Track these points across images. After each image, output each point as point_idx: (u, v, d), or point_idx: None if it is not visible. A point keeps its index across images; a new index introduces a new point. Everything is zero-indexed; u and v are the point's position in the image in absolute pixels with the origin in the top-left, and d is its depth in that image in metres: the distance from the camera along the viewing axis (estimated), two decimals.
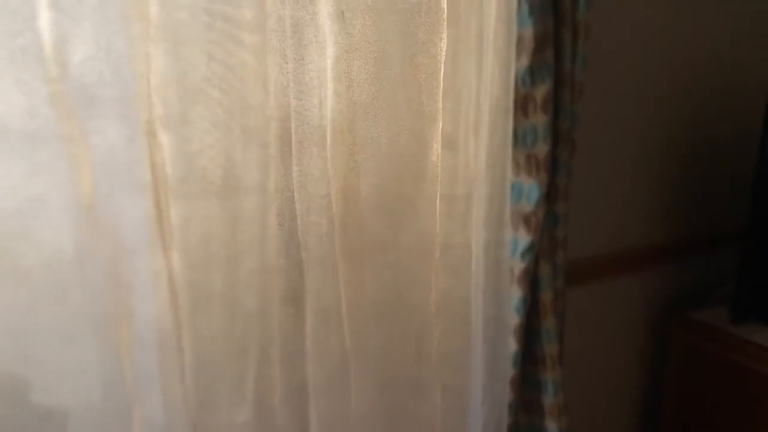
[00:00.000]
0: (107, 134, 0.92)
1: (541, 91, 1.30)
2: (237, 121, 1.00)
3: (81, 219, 0.91)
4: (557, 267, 1.42)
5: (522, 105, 1.31)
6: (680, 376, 1.86)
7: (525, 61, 1.28)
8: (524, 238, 1.36)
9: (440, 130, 1.16)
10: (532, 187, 1.34)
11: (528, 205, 1.35)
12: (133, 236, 0.96)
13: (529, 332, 1.41)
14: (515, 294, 1.37)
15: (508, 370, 1.40)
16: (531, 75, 1.29)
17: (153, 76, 0.93)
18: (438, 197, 1.19)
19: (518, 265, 1.37)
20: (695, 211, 1.90)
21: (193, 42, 0.95)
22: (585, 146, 1.56)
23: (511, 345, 1.39)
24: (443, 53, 1.13)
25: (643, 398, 1.98)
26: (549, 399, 1.45)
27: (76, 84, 0.89)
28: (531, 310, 1.40)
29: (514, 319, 1.38)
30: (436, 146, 1.16)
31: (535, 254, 1.37)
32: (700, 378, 1.81)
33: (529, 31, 1.27)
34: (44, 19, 0.85)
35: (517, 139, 1.33)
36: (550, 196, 1.37)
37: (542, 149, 1.33)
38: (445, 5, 1.10)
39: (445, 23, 1.11)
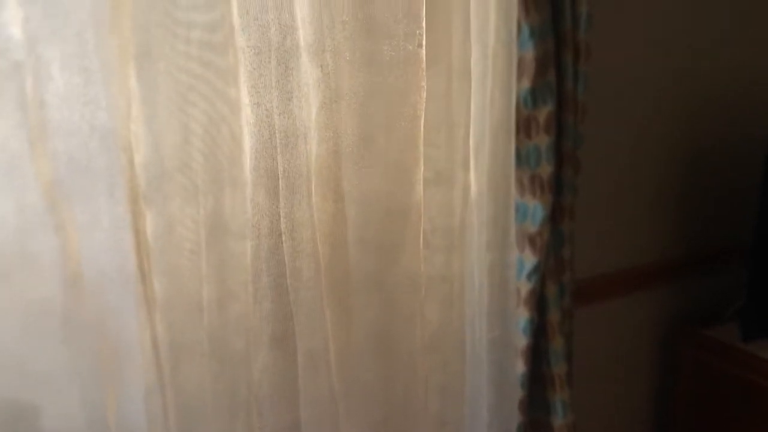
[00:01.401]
0: (92, 201, 0.94)
1: (544, 112, 1.31)
2: (225, 171, 1.03)
3: (67, 278, 0.92)
4: (564, 287, 1.41)
5: (525, 126, 1.32)
6: (691, 395, 1.84)
7: (527, 83, 1.29)
8: (530, 259, 1.35)
9: (422, 173, 1.18)
10: (537, 208, 1.34)
11: (533, 226, 1.35)
12: (118, 293, 0.97)
13: (537, 353, 1.41)
14: (522, 315, 1.37)
15: (516, 392, 1.39)
16: (533, 97, 1.30)
17: (135, 142, 0.95)
18: (421, 237, 1.20)
19: (524, 286, 1.36)
20: (702, 228, 1.89)
21: (175, 101, 0.97)
22: (590, 164, 1.56)
23: (519, 366, 1.38)
24: (423, 101, 1.15)
25: (653, 417, 1.96)
26: (558, 420, 1.44)
27: (63, 157, 0.91)
28: (538, 331, 1.39)
29: (521, 341, 1.37)
30: (419, 188, 1.18)
31: (542, 274, 1.37)
32: (710, 396, 1.79)
33: (530, 54, 1.27)
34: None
35: (521, 159, 1.33)
36: (555, 215, 1.37)
37: (546, 169, 1.33)
38: (423, 56, 1.13)
39: (424, 73, 1.13)
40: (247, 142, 1.03)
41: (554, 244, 1.39)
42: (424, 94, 1.14)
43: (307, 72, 1.05)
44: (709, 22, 1.76)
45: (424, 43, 1.11)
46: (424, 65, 1.12)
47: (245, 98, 1.01)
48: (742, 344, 1.72)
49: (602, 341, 1.77)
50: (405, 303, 1.20)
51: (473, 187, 1.27)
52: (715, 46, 1.80)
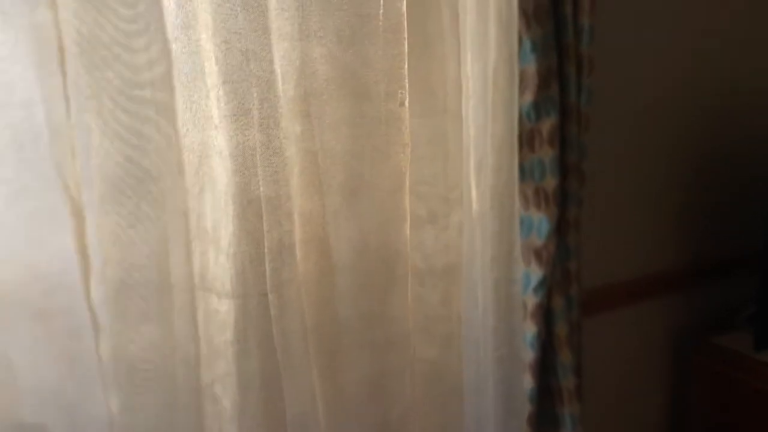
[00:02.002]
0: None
1: (547, 125, 1.30)
2: (211, 231, 1.03)
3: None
4: (571, 299, 1.41)
5: (528, 140, 1.31)
6: (703, 405, 1.82)
7: (529, 96, 1.29)
8: (536, 273, 1.35)
9: (409, 217, 1.18)
10: (542, 221, 1.34)
11: (539, 239, 1.34)
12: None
13: (545, 367, 1.40)
14: (529, 329, 1.36)
15: (525, 407, 1.38)
16: (536, 110, 1.30)
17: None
18: (409, 281, 1.19)
19: (531, 300, 1.36)
20: (711, 235, 1.88)
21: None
22: (596, 174, 1.56)
23: (527, 381, 1.37)
24: (408, 156, 1.16)
25: (665, 429, 1.94)
26: None
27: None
28: (546, 345, 1.39)
29: (528, 355, 1.36)
30: (406, 232, 1.17)
31: (548, 288, 1.36)
32: (723, 406, 1.77)
33: (532, 67, 1.27)
34: None
35: (524, 173, 1.32)
36: (561, 228, 1.37)
37: (550, 182, 1.33)
38: (407, 117, 1.14)
39: (407, 130, 1.14)
40: (230, 205, 1.02)
41: (560, 257, 1.38)
42: (408, 150, 1.15)
43: (288, 129, 1.05)
44: (711, 29, 1.76)
45: (407, 102, 1.12)
46: (407, 124, 1.14)
47: (227, 162, 1.01)
48: (754, 353, 1.70)
49: (611, 352, 1.76)
50: (397, 353, 1.19)
51: (475, 206, 1.27)
52: (719, 54, 1.79)
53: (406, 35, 1.09)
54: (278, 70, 1.02)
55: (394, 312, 1.17)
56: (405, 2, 1.08)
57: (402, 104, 1.11)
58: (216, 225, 1.03)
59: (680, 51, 1.71)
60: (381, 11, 1.07)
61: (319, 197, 1.09)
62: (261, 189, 1.02)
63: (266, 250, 1.03)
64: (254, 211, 1.02)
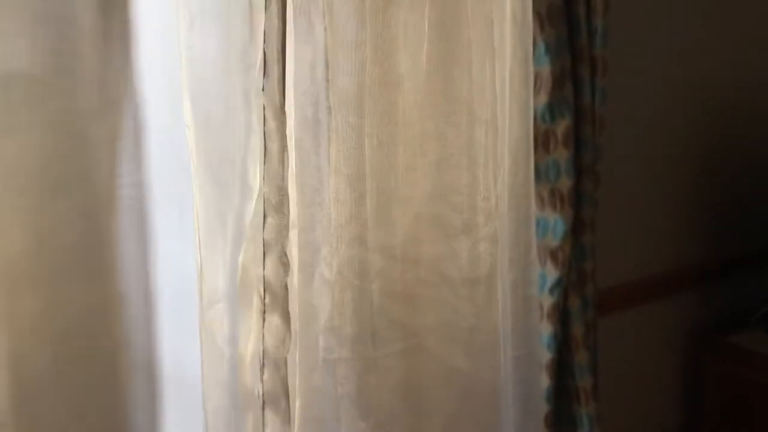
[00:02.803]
0: None
1: (562, 126, 1.31)
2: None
3: None
4: (587, 300, 1.41)
5: (543, 141, 1.32)
6: (717, 404, 1.82)
7: (544, 98, 1.29)
8: (552, 273, 1.35)
9: (442, 233, 1.19)
10: (558, 222, 1.34)
11: (554, 240, 1.35)
12: None
13: (562, 367, 1.40)
14: (546, 330, 1.37)
15: (542, 407, 1.38)
16: (550, 111, 1.30)
17: None
18: (443, 292, 1.20)
19: (547, 300, 1.36)
20: (724, 233, 1.88)
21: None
22: (609, 173, 1.56)
23: (544, 381, 1.38)
24: (441, 164, 1.18)
25: (680, 428, 1.94)
26: None
27: None
28: (562, 345, 1.39)
29: (545, 356, 1.37)
30: (440, 243, 1.19)
31: (564, 288, 1.36)
32: (738, 405, 1.77)
33: (546, 69, 1.28)
34: None
35: (540, 174, 1.33)
36: (576, 229, 1.37)
37: (565, 183, 1.33)
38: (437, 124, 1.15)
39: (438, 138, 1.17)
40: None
41: (576, 258, 1.39)
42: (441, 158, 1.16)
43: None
44: (725, 28, 1.76)
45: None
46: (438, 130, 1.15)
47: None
48: None
49: (623, 352, 1.76)
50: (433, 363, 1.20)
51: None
52: (733, 51, 1.79)
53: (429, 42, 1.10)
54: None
55: (426, 321, 1.17)
56: (427, 9, 1.09)
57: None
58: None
59: (693, 51, 1.71)
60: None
61: (354, 205, 1.10)
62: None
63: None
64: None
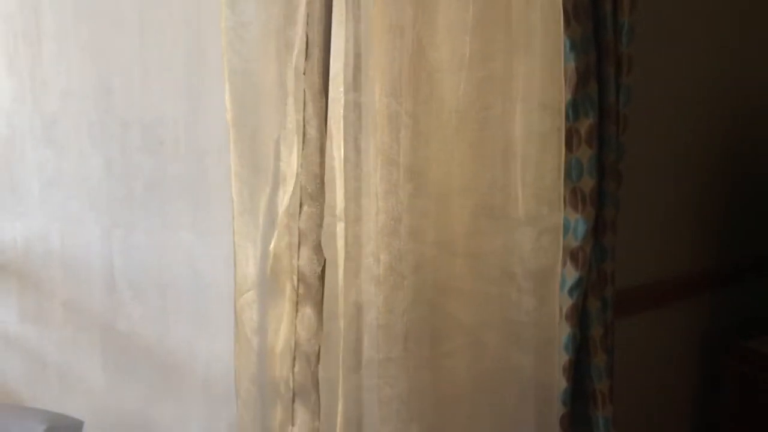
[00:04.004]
0: None
1: (585, 124, 1.29)
2: None
3: None
4: (606, 301, 1.39)
5: (566, 139, 1.30)
6: (734, 409, 1.80)
7: (568, 95, 1.27)
8: (572, 274, 1.33)
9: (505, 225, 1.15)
10: (579, 222, 1.32)
11: (575, 240, 1.32)
12: None
13: (579, 369, 1.38)
14: (564, 331, 1.34)
15: (558, 409, 1.37)
16: (574, 108, 1.28)
17: None
18: (503, 286, 1.17)
19: (566, 302, 1.34)
20: (742, 235, 1.86)
21: None
22: (629, 174, 1.54)
23: (561, 383, 1.36)
24: (505, 155, 1.14)
25: None
26: None
27: None
28: (580, 347, 1.37)
29: (563, 357, 1.35)
30: (500, 235, 1.14)
31: (584, 290, 1.34)
32: (755, 410, 1.75)
33: (571, 66, 1.25)
34: None
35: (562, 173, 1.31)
36: (597, 229, 1.35)
37: (588, 183, 1.31)
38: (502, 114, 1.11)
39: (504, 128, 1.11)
40: None
41: (596, 258, 1.36)
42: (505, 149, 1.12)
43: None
44: (753, 28, 1.73)
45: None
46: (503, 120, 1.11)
47: None
48: None
49: (640, 355, 1.74)
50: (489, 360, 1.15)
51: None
52: (760, 55, 1.76)
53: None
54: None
55: (485, 318, 1.14)
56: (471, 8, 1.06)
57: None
58: None
59: (719, 51, 1.69)
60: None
61: (409, 197, 1.07)
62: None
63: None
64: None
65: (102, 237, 1.67)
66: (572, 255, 1.33)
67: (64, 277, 1.71)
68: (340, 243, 1.03)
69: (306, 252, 0.97)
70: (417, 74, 1.03)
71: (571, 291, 1.33)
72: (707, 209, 1.79)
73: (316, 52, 0.93)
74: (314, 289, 0.98)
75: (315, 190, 0.96)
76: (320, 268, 0.98)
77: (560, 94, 1.17)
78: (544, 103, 1.15)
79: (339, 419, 1.05)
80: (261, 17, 0.94)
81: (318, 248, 0.97)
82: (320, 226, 0.97)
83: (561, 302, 1.35)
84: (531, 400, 1.21)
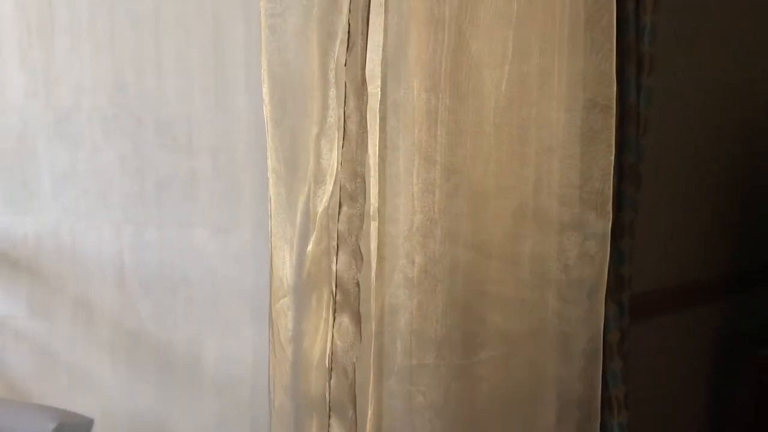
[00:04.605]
0: None
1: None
2: None
3: None
4: (623, 306, 1.37)
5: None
6: (750, 417, 1.77)
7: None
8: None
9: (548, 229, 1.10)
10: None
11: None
12: None
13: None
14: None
15: (574, 415, 1.34)
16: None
17: None
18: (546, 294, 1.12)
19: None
20: (761, 242, 1.83)
21: None
22: (646, 178, 1.52)
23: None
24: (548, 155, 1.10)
25: None
26: None
27: None
28: None
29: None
30: (543, 240, 1.10)
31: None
32: None
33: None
34: None
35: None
36: (615, 232, 1.33)
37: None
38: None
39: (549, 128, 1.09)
40: None
41: (614, 262, 1.34)
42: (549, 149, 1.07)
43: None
44: None
45: None
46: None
47: None
48: None
49: (654, 361, 1.72)
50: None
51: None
52: None
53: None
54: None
55: (524, 327, 1.09)
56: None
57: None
58: None
59: (738, 56, 1.66)
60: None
61: (446, 197, 1.02)
62: None
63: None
64: None
65: (113, 233, 1.66)
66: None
67: (75, 273, 1.70)
68: (373, 244, 0.98)
69: (344, 256, 0.90)
70: (457, 69, 0.98)
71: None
72: (725, 214, 1.76)
73: (359, 42, 0.86)
74: (352, 296, 0.91)
75: (355, 189, 0.89)
76: (359, 273, 0.92)
77: (611, 91, 1.11)
78: (594, 100, 1.10)
79: (368, 427, 1.00)
80: (301, 3, 0.89)
81: (357, 252, 0.91)
82: (360, 228, 0.90)
83: None
84: (572, 416, 1.17)
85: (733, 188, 1.76)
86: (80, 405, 1.45)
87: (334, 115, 0.90)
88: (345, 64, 0.88)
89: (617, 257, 1.35)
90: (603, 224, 1.14)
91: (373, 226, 0.98)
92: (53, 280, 1.72)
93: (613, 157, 1.14)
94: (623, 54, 1.27)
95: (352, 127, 0.88)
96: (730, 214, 1.77)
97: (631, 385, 1.45)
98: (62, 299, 1.72)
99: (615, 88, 1.12)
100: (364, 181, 0.91)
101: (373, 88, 0.93)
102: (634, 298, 1.52)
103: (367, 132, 0.91)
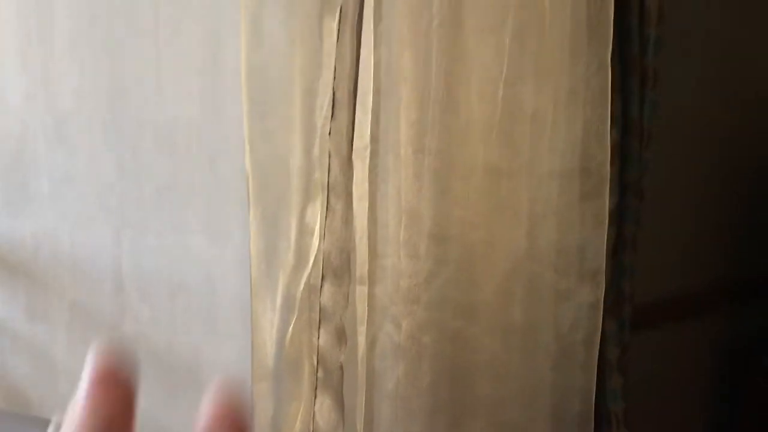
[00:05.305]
0: None
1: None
2: None
3: None
4: (624, 322, 1.36)
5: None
6: (753, 428, 1.76)
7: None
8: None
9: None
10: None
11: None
12: None
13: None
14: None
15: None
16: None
17: None
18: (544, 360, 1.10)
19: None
20: (764, 251, 1.81)
21: None
22: (649, 187, 1.50)
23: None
24: None
25: None
26: None
27: None
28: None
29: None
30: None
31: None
32: None
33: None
34: None
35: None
36: (617, 247, 1.32)
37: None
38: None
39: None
40: None
41: (615, 277, 1.33)
42: None
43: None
44: None
45: None
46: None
47: None
48: None
49: (655, 372, 1.70)
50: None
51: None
52: None
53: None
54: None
55: (513, 394, 1.08)
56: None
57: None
58: None
59: (740, 65, 1.64)
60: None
61: (434, 262, 1.01)
62: None
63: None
64: None
65: (112, 238, 1.65)
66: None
67: (73, 278, 1.69)
68: (361, 307, 0.94)
69: (326, 333, 0.86)
70: (446, 131, 0.95)
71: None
72: (727, 224, 1.74)
73: (344, 113, 0.82)
74: (335, 376, 0.87)
75: (339, 266, 0.85)
76: (342, 355, 0.87)
77: (603, 152, 1.10)
78: (587, 168, 1.10)
79: None
80: (284, 66, 0.85)
81: (341, 332, 0.86)
82: (345, 307, 0.86)
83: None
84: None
85: (737, 199, 1.74)
86: None
87: (317, 187, 0.86)
88: (329, 134, 0.83)
89: (618, 272, 1.33)
90: (596, 293, 1.14)
91: (360, 289, 0.95)
92: (51, 285, 1.71)
93: (606, 228, 1.14)
94: (627, 67, 1.26)
95: (337, 203, 0.84)
96: (731, 224, 1.75)
97: (630, 399, 1.43)
98: (60, 303, 1.71)
99: (609, 154, 1.12)
100: (348, 257, 0.87)
101: (362, 150, 0.89)
102: (637, 308, 1.51)
103: (351, 206, 0.87)
